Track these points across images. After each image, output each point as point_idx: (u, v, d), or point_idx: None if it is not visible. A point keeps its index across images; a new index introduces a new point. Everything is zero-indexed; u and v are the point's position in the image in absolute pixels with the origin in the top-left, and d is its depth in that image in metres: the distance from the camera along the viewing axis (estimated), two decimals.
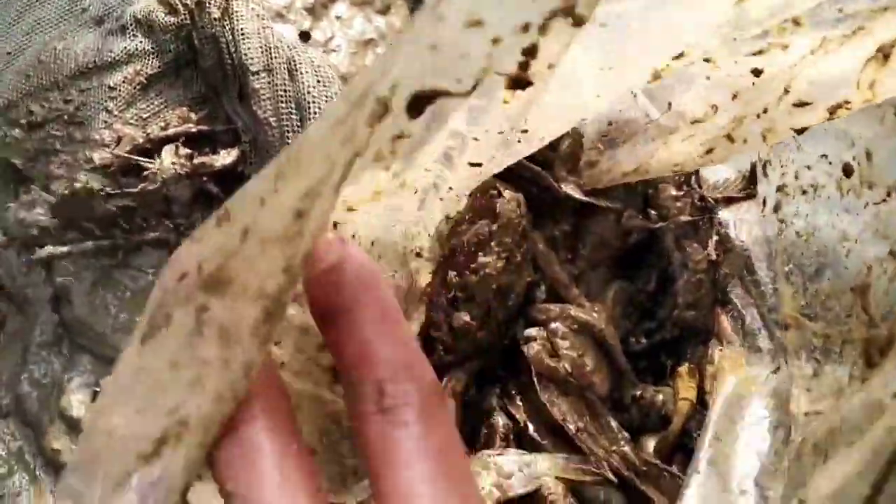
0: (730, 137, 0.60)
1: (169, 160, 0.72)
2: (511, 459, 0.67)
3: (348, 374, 0.29)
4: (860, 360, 0.60)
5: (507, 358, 0.73)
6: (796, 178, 0.68)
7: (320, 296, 0.29)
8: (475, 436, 0.72)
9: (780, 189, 0.68)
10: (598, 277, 0.75)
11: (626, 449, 0.69)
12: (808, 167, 0.67)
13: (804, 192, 0.68)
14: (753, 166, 0.72)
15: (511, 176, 0.70)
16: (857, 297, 0.61)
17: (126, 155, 0.71)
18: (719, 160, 0.63)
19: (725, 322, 0.73)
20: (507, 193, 0.68)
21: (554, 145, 0.72)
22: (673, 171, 0.66)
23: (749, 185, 0.71)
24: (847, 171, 0.61)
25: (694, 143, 0.64)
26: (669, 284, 0.72)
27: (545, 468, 0.66)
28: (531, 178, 0.71)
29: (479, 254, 0.67)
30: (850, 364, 0.61)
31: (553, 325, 0.71)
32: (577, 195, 0.71)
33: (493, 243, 0.67)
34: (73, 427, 0.70)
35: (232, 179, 0.72)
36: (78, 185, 0.71)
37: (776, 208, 0.70)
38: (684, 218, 0.70)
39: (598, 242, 0.73)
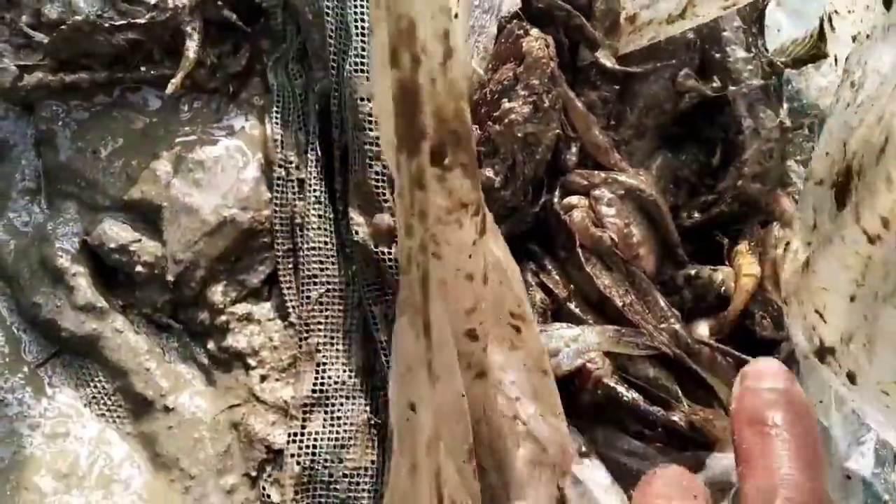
0: None
1: None
2: (557, 335, 0.61)
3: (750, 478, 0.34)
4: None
5: (539, 230, 0.67)
6: (862, 21, 0.62)
7: (759, 405, 0.35)
8: None
9: (854, 38, 0.62)
10: (643, 147, 0.69)
11: (677, 327, 0.63)
12: (867, 6, 0.61)
13: (867, 37, 0.62)
14: (821, 21, 0.66)
15: (543, 20, 0.64)
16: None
17: None
18: None
19: (787, 203, 0.68)
20: (533, 32, 0.62)
21: (590, 4, 0.66)
22: (723, 7, 0.60)
23: (819, 42, 0.65)
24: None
25: None
26: (733, 155, 0.66)
27: (594, 341, 0.60)
28: (566, 21, 0.65)
29: (504, 100, 0.61)
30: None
31: (597, 192, 0.65)
32: (610, 64, 0.65)
33: (518, 87, 0.61)
34: (58, 280, 0.63)
35: (250, 8, 0.65)
36: (78, 16, 0.63)
37: (847, 59, 0.65)
38: (757, 81, 0.64)
39: (647, 106, 0.67)
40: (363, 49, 0.56)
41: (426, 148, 0.32)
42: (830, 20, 0.62)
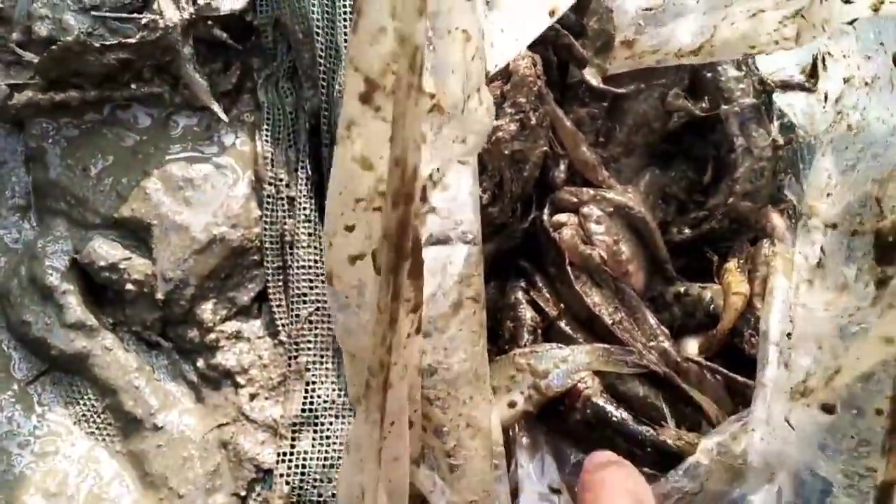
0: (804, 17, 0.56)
1: (170, 8, 0.65)
2: (547, 356, 0.61)
3: None
4: (870, 254, 0.55)
5: (528, 246, 0.68)
6: (858, 69, 0.63)
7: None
8: (497, 333, 0.66)
9: (846, 81, 0.63)
10: (632, 164, 0.69)
11: (666, 345, 0.63)
12: (868, 57, 0.62)
13: (866, 84, 0.63)
14: (815, 59, 0.67)
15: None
16: (875, 188, 0.56)
17: None
18: (801, 42, 0.58)
19: (777, 219, 0.68)
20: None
21: (581, 24, 0.67)
22: (747, 52, 0.60)
23: (810, 78, 0.66)
24: None
25: (769, 22, 0.58)
26: (724, 172, 0.66)
27: (584, 361, 0.60)
28: (554, 40, 0.65)
29: None
30: (859, 260, 0.56)
31: (586, 209, 0.66)
32: (597, 83, 0.66)
33: (505, 105, 0.62)
34: (48, 297, 0.63)
35: (241, 26, 0.66)
36: (68, 36, 0.64)
37: (837, 100, 0.65)
38: (749, 100, 0.64)
39: (636, 124, 0.67)
40: None
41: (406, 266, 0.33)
42: (824, 60, 0.63)
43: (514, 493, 0.56)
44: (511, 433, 0.60)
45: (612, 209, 0.65)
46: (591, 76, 0.65)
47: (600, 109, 0.68)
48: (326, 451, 0.59)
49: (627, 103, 0.68)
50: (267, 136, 0.65)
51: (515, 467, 0.58)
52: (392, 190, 0.31)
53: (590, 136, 0.68)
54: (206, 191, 0.64)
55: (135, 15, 0.65)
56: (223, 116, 0.64)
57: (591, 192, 0.66)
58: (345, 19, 0.57)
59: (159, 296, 0.63)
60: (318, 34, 0.59)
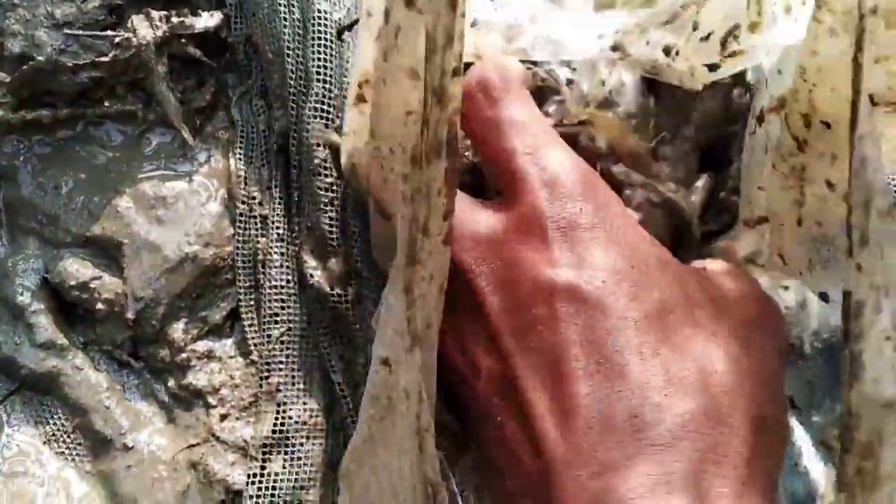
0: None
1: (144, 25, 0.65)
2: None
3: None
4: None
5: None
6: None
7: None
8: None
9: None
10: (688, 166, 0.66)
11: None
12: None
13: None
14: None
15: None
16: None
17: (93, 9, 0.64)
18: None
19: None
20: None
21: None
22: None
23: None
24: None
25: None
26: None
27: None
28: None
29: None
30: None
31: (629, 191, 0.62)
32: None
33: None
34: (18, 316, 0.63)
35: (215, 45, 0.66)
36: (41, 55, 0.64)
37: None
38: None
39: (703, 122, 0.64)
40: (323, 94, 0.57)
41: None
42: None
43: None
44: None
45: (659, 201, 0.62)
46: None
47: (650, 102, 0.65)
48: (297, 473, 0.59)
49: (693, 100, 0.64)
50: (240, 154, 0.65)
51: None
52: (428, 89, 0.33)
53: (643, 133, 0.65)
54: (178, 209, 0.64)
55: (108, 32, 0.65)
56: (190, 140, 0.64)
57: (643, 178, 0.63)
58: (315, 43, 0.57)
59: (130, 315, 0.63)
60: (288, 55, 0.59)
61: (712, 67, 0.47)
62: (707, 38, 0.47)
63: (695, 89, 0.55)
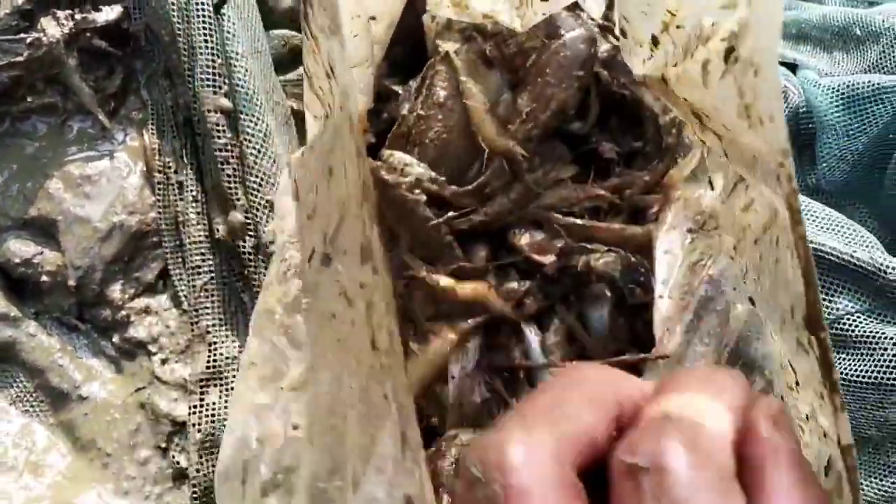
0: None
1: (51, 25, 0.73)
2: None
3: None
4: None
5: None
6: None
7: None
8: None
9: None
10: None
11: None
12: None
13: None
14: None
15: None
16: None
17: (6, 16, 0.72)
18: None
19: None
20: None
21: None
22: None
23: None
24: None
25: None
26: None
27: None
28: None
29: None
30: None
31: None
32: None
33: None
34: None
35: (119, 35, 0.74)
36: None
37: None
38: None
39: None
40: (208, 65, 0.65)
41: None
42: None
43: None
44: None
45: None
46: None
47: None
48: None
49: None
50: (153, 129, 0.73)
51: None
52: None
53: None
54: (102, 185, 0.73)
55: (21, 35, 0.73)
56: (106, 123, 0.72)
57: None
58: (197, 21, 0.65)
59: (71, 283, 0.71)
60: (178, 35, 0.67)
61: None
62: None
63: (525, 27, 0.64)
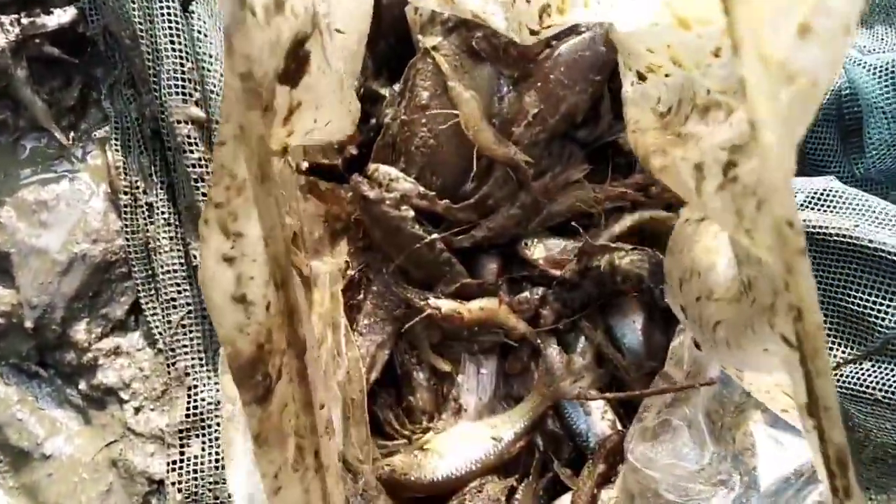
0: None
1: None
2: None
3: None
4: None
5: None
6: None
7: None
8: None
9: None
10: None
11: None
12: None
13: None
14: None
15: None
16: None
17: None
18: None
19: None
20: None
21: None
22: None
23: None
24: None
25: None
26: None
27: None
28: None
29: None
30: None
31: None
32: None
33: None
34: None
35: (75, 40, 0.65)
36: None
37: None
38: None
39: None
40: (175, 69, 0.56)
41: None
42: None
43: None
44: None
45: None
46: None
47: None
48: (218, 453, 0.59)
49: None
50: (117, 145, 0.65)
51: None
52: None
53: None
54: (60, 210, 0.64)
55: None
56: (64, 140, 0.64)
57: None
58: (162, 20, 0.57)
59: (29, 324, 0.62)
60: (141, 38, 0.59)
61: (533, 32, 0.49)
62: (528, 2, 0.49)
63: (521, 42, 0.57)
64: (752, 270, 0.40)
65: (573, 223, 0.69)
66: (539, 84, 0.69)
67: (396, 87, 0.68)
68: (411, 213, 0.68)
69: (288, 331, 0.33)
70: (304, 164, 0.69)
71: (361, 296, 0.71)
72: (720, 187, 0.36)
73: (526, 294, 0.71)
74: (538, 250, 0.72)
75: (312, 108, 0.36)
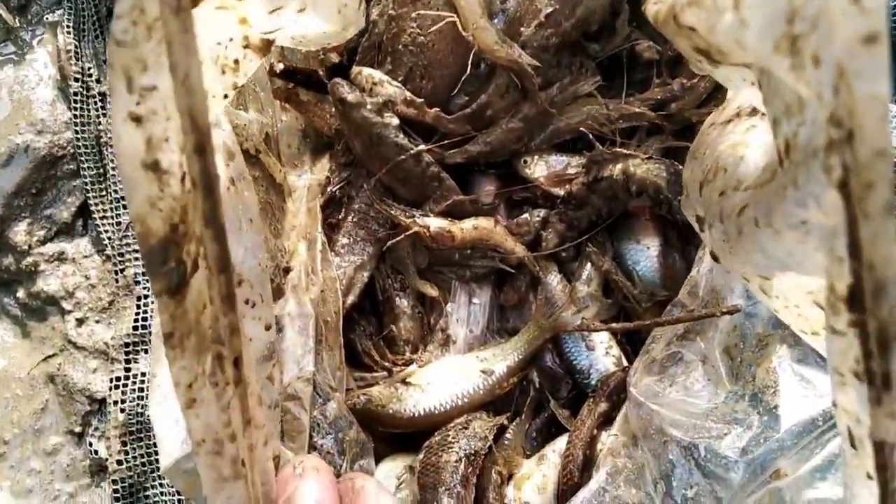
0: None
1: None
2: None
3: None
4: None
5: None
6: None
7: None
8: None
9: None
10: None
11: None
12: None
13: None
14: None
15: None
16: None
17: None
18: None
19: None
20: None
21: None
22: None
23: None
24: None
25: None
26: None
27: None
28: None
29: None
30: None
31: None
32: None
33: None
34: None
35: None
36: None
37: None
38: None
39: None
40: None
41: None
42: None
43: None
44: None
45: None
46: None
47: None
48: None
49: None
50: (69, 27, 0.57)
51: None
52: None
53: None
54: (2, 97, 0.56)
55: None
56: (10, 20, 0.56)
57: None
58: None
59: None
60: None
61: None
62: None
63: None
64: (796, 121, 0.32)
65: (583, 130, 0.61)
66: None
67: None
68: (395, 121, 0.60)
69: (205, 207, 0.25)
70: (280, 66, 0.61)
71: (342, 214, 0.63)
72: None
73: (526, 215, 0.63)
74: (539, 168, 0.64)
75: None
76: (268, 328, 0.44)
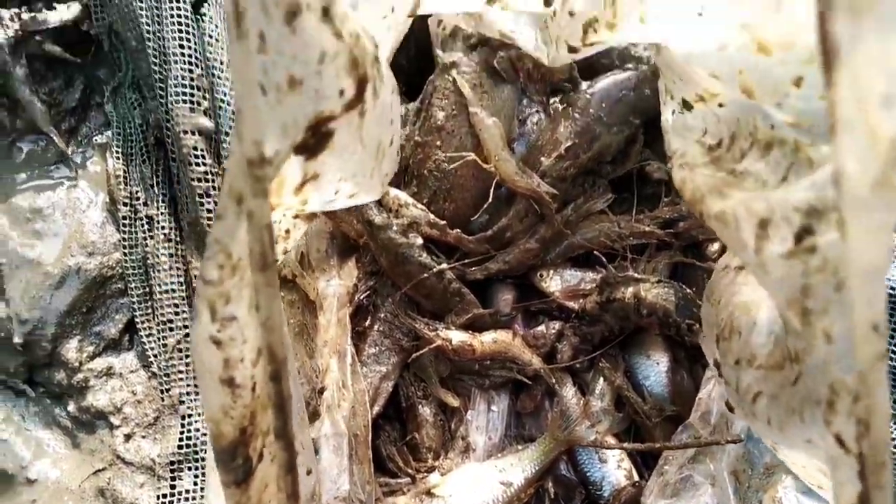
0: None
1: None
2: None
3: None
4: None
5: None
6: None
7: None
8: None
9: None
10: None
11: None
12: None
13: None
14: None
15: None
16: None
17: None
18: None
19: None
20: None
21: None
22: None
23: None
24: None
25: None
26: None
27: None
28: None
29: None
30: None
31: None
32: None
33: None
34: None
35: (79, 39, 0.61)
36: None
37: None
38: None
39: None
40: (184, 76, 0.52)
41: None
42: None
43: None
44: None
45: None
46: None
47: None
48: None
49: None
50: (118, 152, 0.61)
51: None
52: None
53: None
54: (56, 220, 0.60)
55: None
56: (62, 145, 0.60)
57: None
58: (170, 21, 0.53)
59: (17, 340, 0.59)
60: (149, 39, 0.55)
61: (572, 49, 0.45)
62: (573, 15, 0.44)
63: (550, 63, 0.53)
64: (800, 345, 0.36)
65: (595, 252, 0.65)
66: (578, 114, 0.64)
67: (412, 106, 0.63)
68: (419, 241, 0.63)
69: (277, 424, 0.29)
70: None
71: (368, 322, 0.67)
72: (790, 254, 0.31)
73: (542, 328, 0.67)
74: (554, 283, 0.67)
75: (334, 180, 0.32)
76: (309, 473, 0.48)
